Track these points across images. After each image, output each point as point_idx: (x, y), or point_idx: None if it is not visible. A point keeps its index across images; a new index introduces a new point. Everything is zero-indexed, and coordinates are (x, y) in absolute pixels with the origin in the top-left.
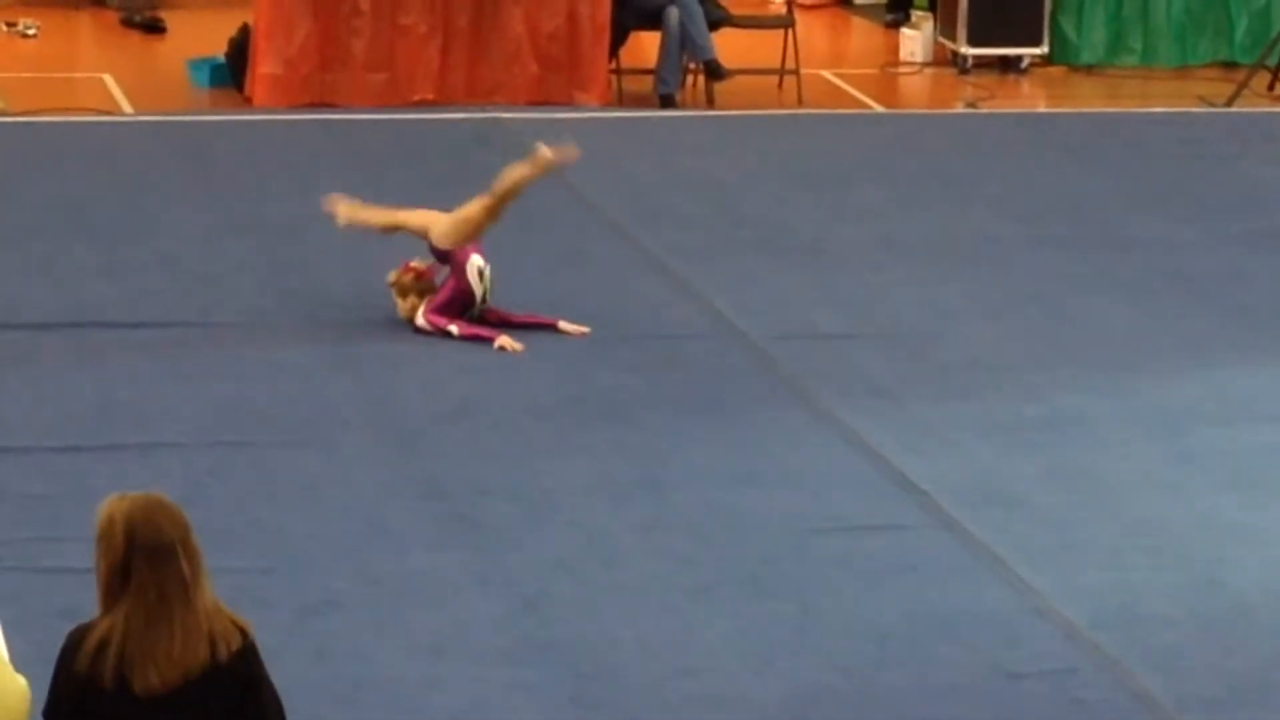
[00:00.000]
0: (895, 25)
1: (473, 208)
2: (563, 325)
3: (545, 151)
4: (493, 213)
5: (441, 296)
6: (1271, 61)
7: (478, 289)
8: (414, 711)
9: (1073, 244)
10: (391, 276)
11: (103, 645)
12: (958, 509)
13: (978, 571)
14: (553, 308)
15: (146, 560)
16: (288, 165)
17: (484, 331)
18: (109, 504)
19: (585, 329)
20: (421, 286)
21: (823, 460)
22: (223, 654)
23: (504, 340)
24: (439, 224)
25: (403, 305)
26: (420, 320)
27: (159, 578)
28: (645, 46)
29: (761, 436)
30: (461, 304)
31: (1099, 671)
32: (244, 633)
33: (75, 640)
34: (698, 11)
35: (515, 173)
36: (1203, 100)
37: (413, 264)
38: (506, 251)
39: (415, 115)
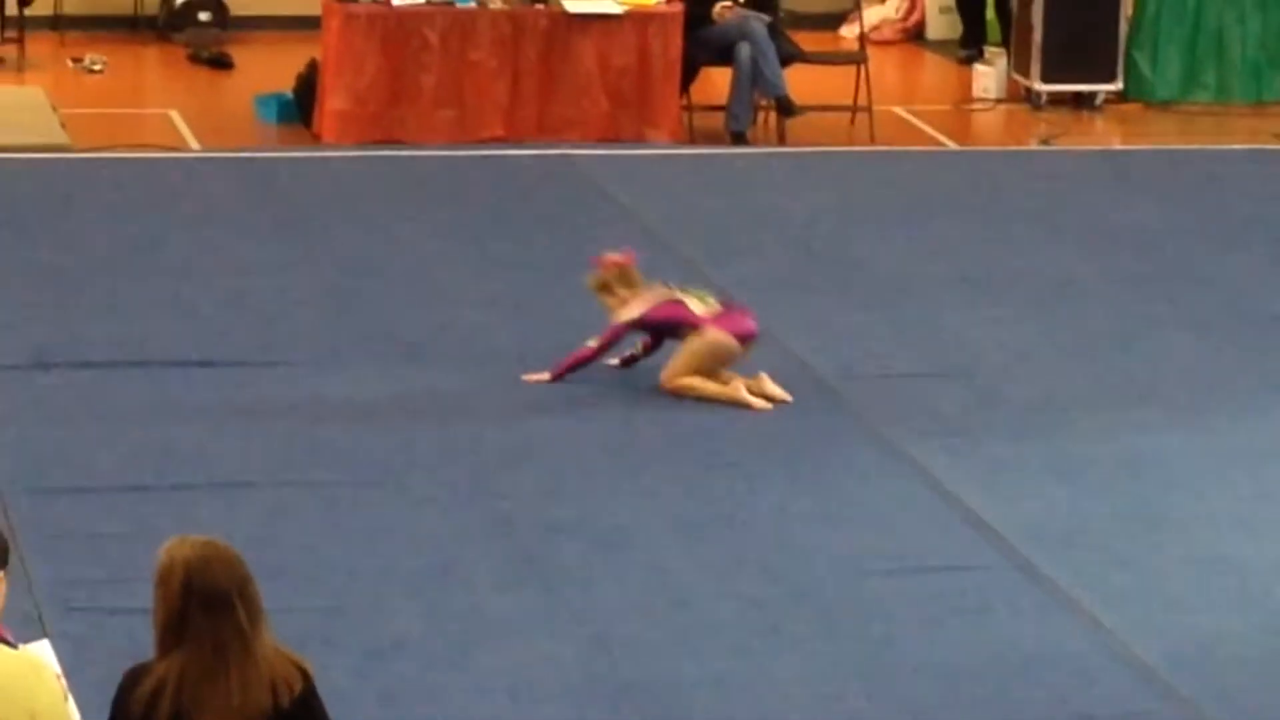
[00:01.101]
0: (969, 61)
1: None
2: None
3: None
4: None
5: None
6: None
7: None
8: None
9: (1148, 281)
10: (591, 281)
11: (158, 691)
12: (1032, 549)
13: (1051, 612)
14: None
15: (202, 609)
16: (356, 202)
17: (570, 367)
18: (169, 547)
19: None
20: (626, 277)
21: (896, 499)
22: (284, 699)
23: (537, 377)
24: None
25: (612, 302)
26: (627, 315)
27: (215, 627)
28: (717, 83)
29: (834, 475)
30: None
31: (1174, 714)
32: (305, 674)
33: (130, 681)
34: (769, 47)
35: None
36: (1278, 137)
37: (609, 256)
38: (576, 288)
39: (485, 152)
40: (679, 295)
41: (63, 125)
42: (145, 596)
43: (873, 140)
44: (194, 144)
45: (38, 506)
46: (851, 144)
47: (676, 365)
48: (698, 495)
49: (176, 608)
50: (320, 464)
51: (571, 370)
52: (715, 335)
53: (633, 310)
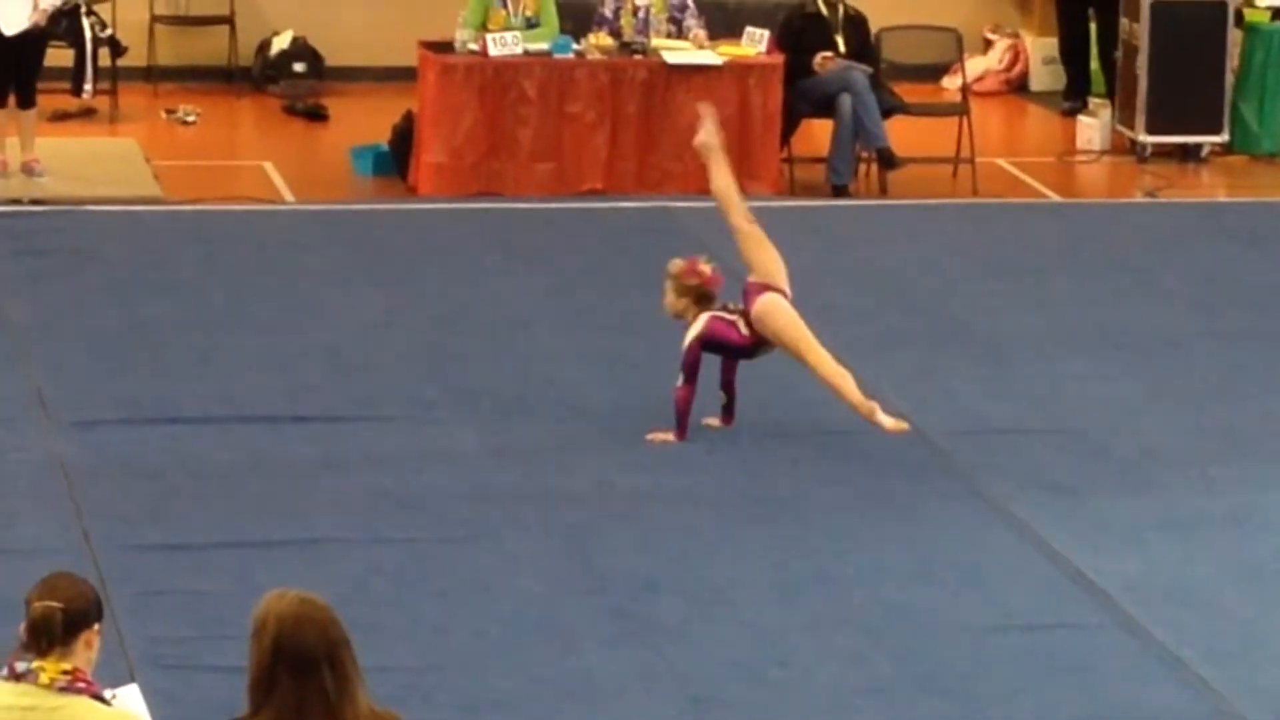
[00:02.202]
0: (1072, 113)
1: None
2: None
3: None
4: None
5: (720, 331)
6: None
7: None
8: None
9: (1253, 336)
10: (674, 268)
11: None
12: (1136, 607)
13: (1157, 671)
14: (720, 401)
15: (289, 671)
16: (451, 255)
17: (683, 416)
18: (267, 602)
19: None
20: (701, 293)
21: (998, 557)
22: None
23: (663, 436)
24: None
25: (673, 302)
26: (691, 331)
27: (299, 690)
28: (817, 135)
29: (936, 533)
30: (729, 349)
31: None
32: None
33: None
34: (871, 99)
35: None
36: None
37: (702, 266)
38: (674, 343)
39: (583, 205)
40: (733, 316)
41: (156, 177)
42: (237, 654)
43: (975, 193)
44: (288, 196)
45: (130, 562)
46: (954, 196)
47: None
48: (798, 553)
49: (265, 665)
50: (415, 520)
51: (687, 418)
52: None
53: (696, 328)
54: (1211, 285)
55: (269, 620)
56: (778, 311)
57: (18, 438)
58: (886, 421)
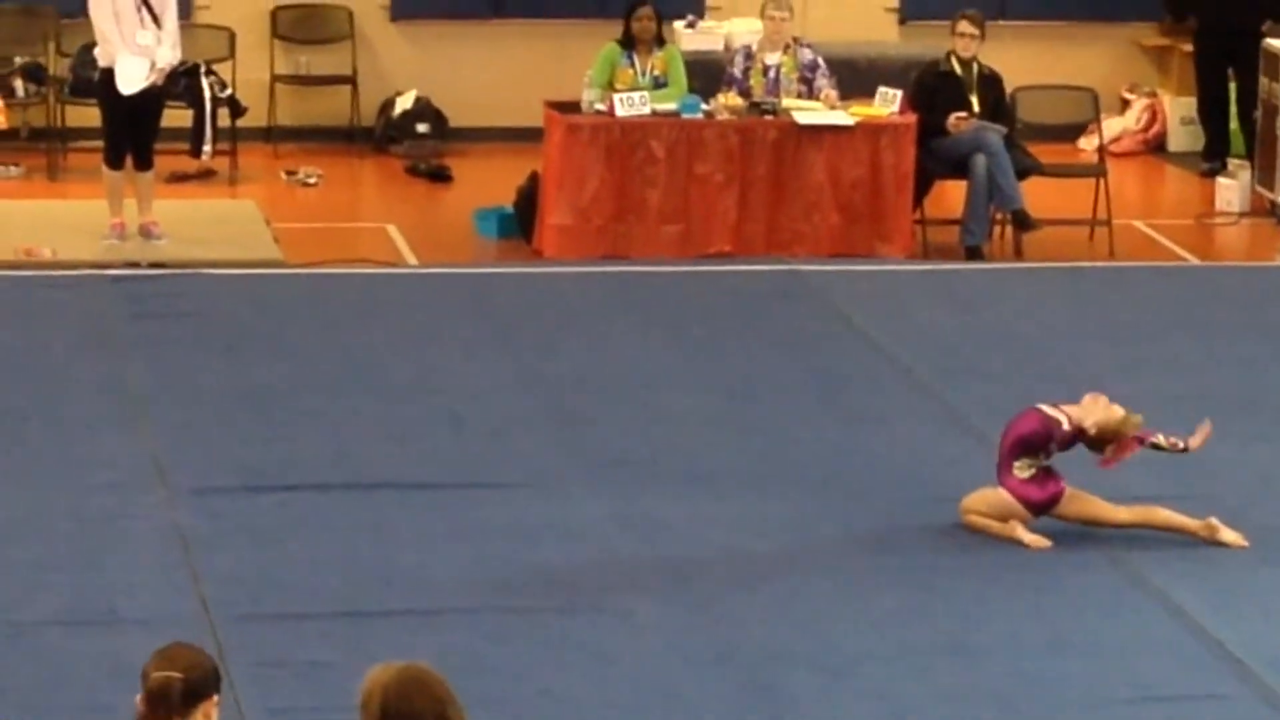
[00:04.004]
0: (1211, 174)
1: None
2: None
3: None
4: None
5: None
6: None
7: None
8: None
9: None
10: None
11: None
12: (1277, 678)
13: None
14: (852, 466)
15: None
16: (578, 319)
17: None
18: (373, 675)
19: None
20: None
21: (1135, 627)
22: None
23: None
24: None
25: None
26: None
27: None
28: (951, 196)
29: (1071, 602)
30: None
31: None
32: None
33: None
34: (1006, 160)
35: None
36: None
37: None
38: (805, 408)
39: (711, 267)
40: (1058, 413)
41: (276, 240)
42: None
43: (1112, 255)
44: (411, 259)
45: (249, 632)
46: (1091, 259)
47: (976, 500)
48: (930, 623)
49: None
50: (539, 589)
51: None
52: (1006, 498)
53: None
54: None
55: (375, 691)
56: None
57: (135, 505)
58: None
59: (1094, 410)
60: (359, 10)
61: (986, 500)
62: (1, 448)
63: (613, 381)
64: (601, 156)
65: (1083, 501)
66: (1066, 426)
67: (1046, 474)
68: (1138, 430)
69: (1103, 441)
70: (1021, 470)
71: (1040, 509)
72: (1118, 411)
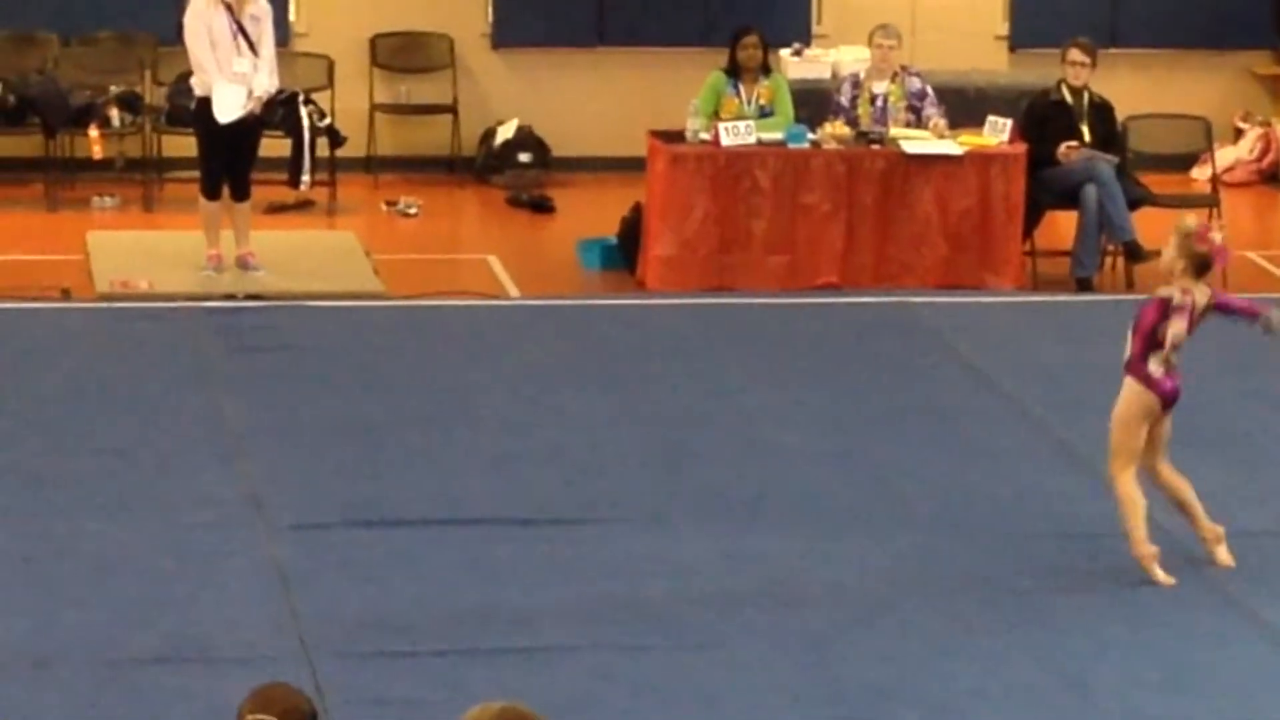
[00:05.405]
0: None
1: None
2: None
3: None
4: None
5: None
6: None
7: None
8: None
9: None
10: (1185, 227)
11: None
12: None
13: None
14: (962, 502)
15: None
16: (683, 351)
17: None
18: (472, 715)
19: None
20: (1202, 261)
21: (1250, 664)
22: None
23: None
24: None
25: (1171, 260)
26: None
27: None
28: (1061, 227)
29: (1185, 639)
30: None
31: None
32: None
33: None
34: (1117, 190)
35: None
36: None
37: (1213, 234)
38: (914, 442)
39: (818, 299)
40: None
41: (376, 271)
42: None
43: (1225, 287)
44: (513, 291)
45: (348, 671)
46: None
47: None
48: (1042, 659)
49: None
50: (644, 627)
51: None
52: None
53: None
54: None
55: None
56: (1126, 401)
57: (234, 541)
58: (1159, 574)
59: (1165, 255)
60: (460, 38)
61: (1124, 423)
62: (99, 482)
63: (718, 415)
64: (706, 186)
65: (1165, 429)
66: (1176, 300)
67: (1171, 369)
68: (1188, 228)
69: (1196, 267)
70: (1155, 368)
71: (1169, 400)
72: (1172, 238)
